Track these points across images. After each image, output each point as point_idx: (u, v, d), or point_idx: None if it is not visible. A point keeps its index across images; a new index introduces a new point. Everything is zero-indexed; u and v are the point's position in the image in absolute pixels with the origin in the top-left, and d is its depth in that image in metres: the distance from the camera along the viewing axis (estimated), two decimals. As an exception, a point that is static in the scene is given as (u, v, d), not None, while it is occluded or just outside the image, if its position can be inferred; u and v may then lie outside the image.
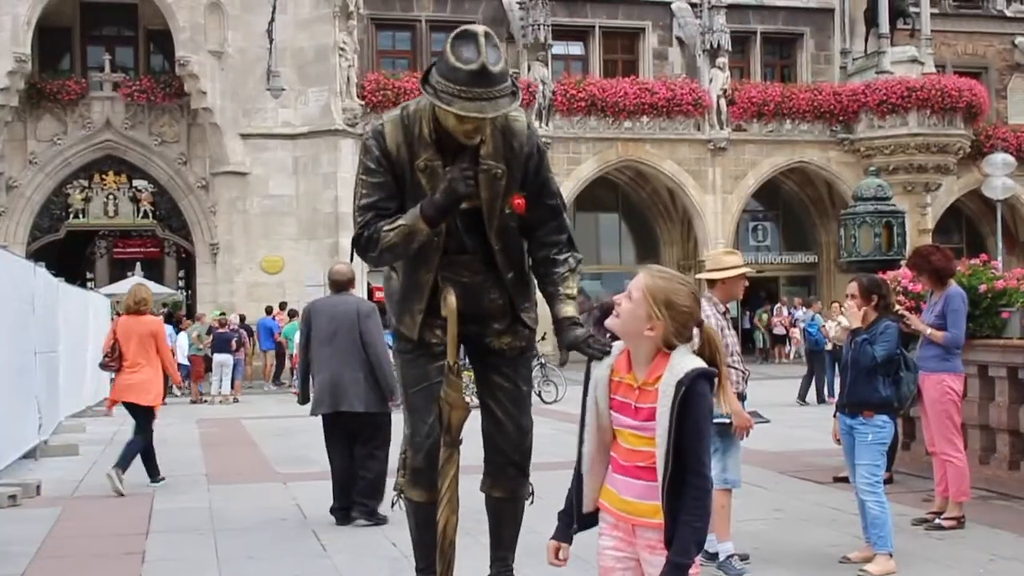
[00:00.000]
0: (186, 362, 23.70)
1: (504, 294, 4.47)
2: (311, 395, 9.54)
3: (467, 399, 4.15)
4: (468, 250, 4.36)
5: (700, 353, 3.58)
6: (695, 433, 3.50)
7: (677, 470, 3.45)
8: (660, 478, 3.48)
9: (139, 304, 11.87)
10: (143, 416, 11.77)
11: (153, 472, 11.76)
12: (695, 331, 3.60)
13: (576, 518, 3.67)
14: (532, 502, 4.61)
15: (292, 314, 28.37)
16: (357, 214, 4.31)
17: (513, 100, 4.26)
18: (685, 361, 3.53)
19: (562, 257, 4.57)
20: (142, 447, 11.63)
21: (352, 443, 9.52)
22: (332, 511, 9.35)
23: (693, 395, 3.48)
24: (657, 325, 3.52)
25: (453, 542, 4.05)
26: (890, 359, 7.37)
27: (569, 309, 4.37)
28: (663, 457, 3.46)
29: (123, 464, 11.29)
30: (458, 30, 4.28)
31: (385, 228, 4.24)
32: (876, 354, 7.29)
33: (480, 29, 4.22)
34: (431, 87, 4.18)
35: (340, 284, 9.67)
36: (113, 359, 11.71)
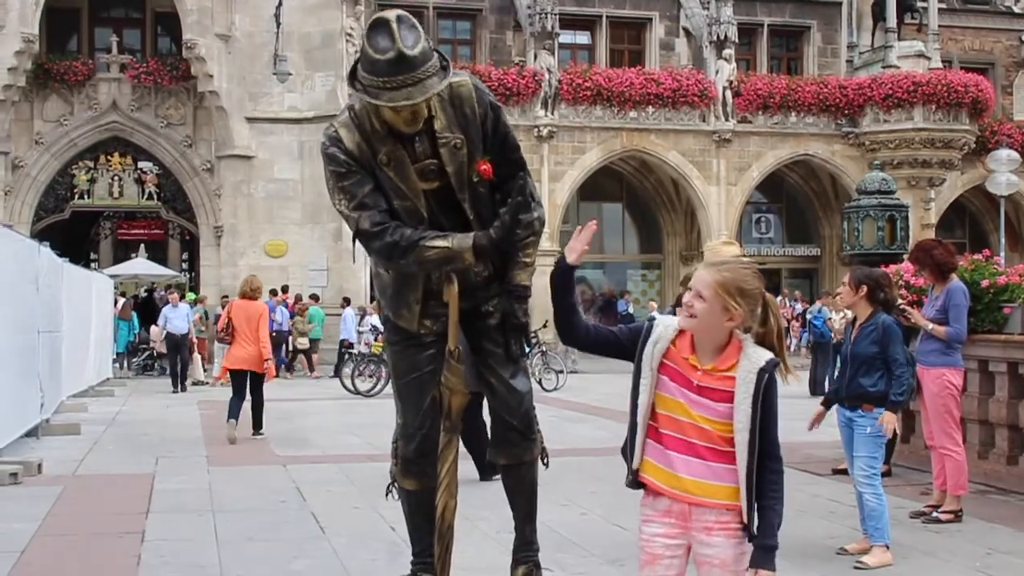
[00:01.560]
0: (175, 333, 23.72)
1: (488, 266, 4.45)
2: None
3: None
4: (446, 229, 4.32)
5: (763, 319, 3.65)
6: (774, 419, 3.60)
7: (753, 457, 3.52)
8: (744, 464, 3.52)
9: (254, 291, 14.58)
10: (256, 381, 14.22)
11: (257, 425, 14.32)
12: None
13: (632, 474, 3.67)
14: (548, 465, 4.58)
15: (315, 297, 28.45)
16: (352, 214, 4.24)
17: (443, 77, 4.20)
18: (759, 351, 3.60)
19: (525, 219, 4.53)
20: (241, 404, 14.14)
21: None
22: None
23: (773, 383, 3.58)
24: (736, 314, 3.56)
25: (451, 526, 4.05)
26: (881, 354, 7.39)
27: (523, 277, 4.37)
28: (747, 443, 3.51)
29: (257, 425, 14.27)
30: (372, 19, 4.23)
31: (425, 244, 4.19)
32: (866, 350, 7.35)
33: (392, 15, 4.15)
34: (359, 83, 4.16)
35: None
36: (227, 334, 14.35)
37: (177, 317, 24.01)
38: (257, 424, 14.34)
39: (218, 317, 25.14)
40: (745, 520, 3.52)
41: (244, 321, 14.10)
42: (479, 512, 7.98)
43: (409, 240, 4.17)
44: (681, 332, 3.65)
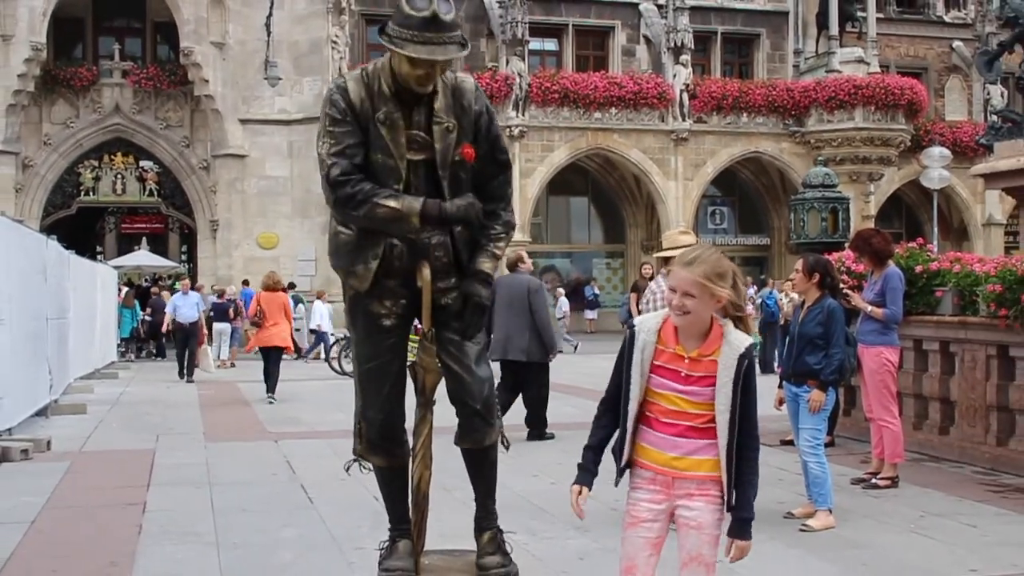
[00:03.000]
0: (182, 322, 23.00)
1: (449, 252, 4.33)
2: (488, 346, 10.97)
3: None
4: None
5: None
6: (754, 402, 3.65)
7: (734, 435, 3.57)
8: (724, 442, 3.56)
9: (276, 284, 17.04)
10: (277, 353, 16.48)
11: (271, 388, 16.19)
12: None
13: (618, 468, 3.73)
14: (508, 448, 4.54)
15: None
16: (328, 159, 4.17)
17: (462, 49, 4.20)
18: (740, 336, 3.64)
19: (504, 216, 4.57)
20: (277, 374, 16.29)
21: (516, 384, 11.43)
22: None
23: (752, 368, 3.62)
24: (723, 296, 3.60)
25: (427, 496, 4.03)
26: (824, 335, 7.42)
27: (487, 265, 4.34)
28: (727, 424, 3.56)
29: (271, 388, 16.17)
30: None
31: (378, 200, 4.12)
32: (812, 331, 7.38)
33: None
34: (387, 35, 4.14)
35: (511, 264, 11.80)
36: (259, 319, 16.62)
37: (186, 306, 21.79)
38: (271, 388, 16.18)
39: (213, 304, 25.26)
40: (724, 493, 3.59)
41: (271, 308, 16.43)
42: (454, 482, 7.98)
43: (365, 194, 4.12)
44: (663, 326, 3.67)
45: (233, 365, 24.73)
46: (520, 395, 11.61)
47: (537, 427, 11.64)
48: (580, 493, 3.76)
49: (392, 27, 4.14)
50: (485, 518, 4.28)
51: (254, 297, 19.16)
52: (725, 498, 3.60)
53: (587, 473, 3.78)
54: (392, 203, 4.11)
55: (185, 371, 20.86)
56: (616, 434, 3.73)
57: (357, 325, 4.21)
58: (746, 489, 3.62)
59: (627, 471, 3.73)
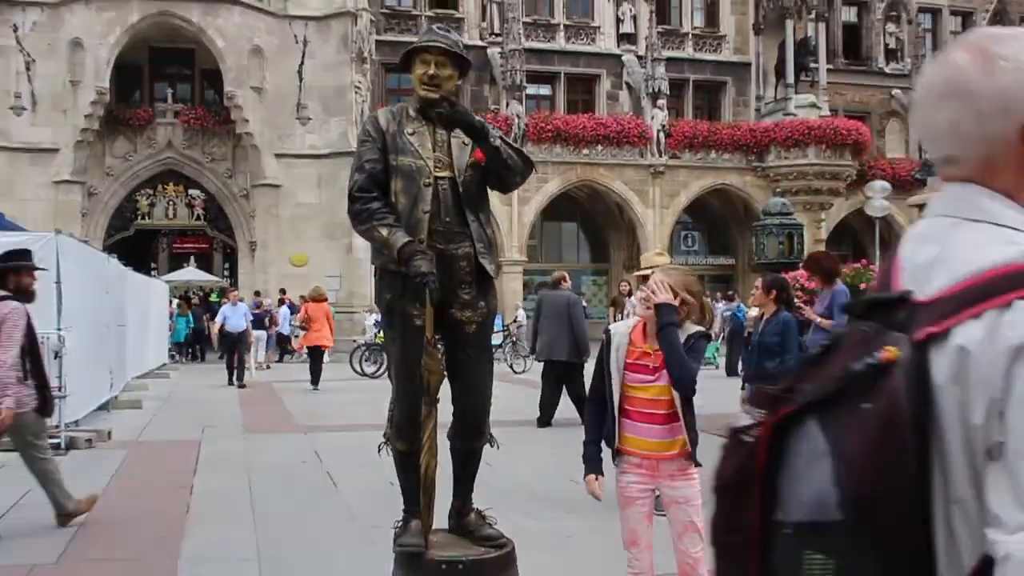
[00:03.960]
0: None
1: (472, 262, 4.19)
2: (536, 349, 12.51)
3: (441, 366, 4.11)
4: (442, 195, 4.18)
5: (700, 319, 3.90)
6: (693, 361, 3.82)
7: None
8: (683, 411, 3.73)
9: (321, 296, 18.95)
10: (321, 353, 18.28)
11: (316, 381, 17.88)
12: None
13: (613, 450, 3.84)
14: (496, 448, 4.56)
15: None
16: (352, 174, 4.21)
17: (457, 50, 4.27)
18: (689, 327, 3.81)
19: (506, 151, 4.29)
20: (321, 369, 18.01)
21: (558, 379, 12.06)
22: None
23: (696, 345, 3.78)
24: (684, 309, 3.76)
25: (433, 481, 4.05)
26: (781, 343, 7.46)
27: (491, 128, 4.21)
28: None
29: (315, 381, 17.82)
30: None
31: (377, 223, 4.06)
32: (770, 340, 7.42)
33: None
34: (408, 53, 4.30)
35: (555, 283, 12.70)
36: (306, 324, 18.88)
37: (235, 315, 20.26)
38: (315, 381, 17.81)
39: (252, 315, 25.20)
40: (691, 453, 3.74)
41: (316, 314, 18.41)
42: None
43: (369, 215, 4.08)
44: (636, 327, 3.75)
45: (268, 367, 24.76)
46: (564, 391, 12.16)
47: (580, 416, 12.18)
48: (596, 480, 3.87)
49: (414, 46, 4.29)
50: (467, 504, 4.30)
51: (303, 306, 20.90)
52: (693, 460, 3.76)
53: (594, 463, 3.88)
54: (383, 232, 4.04)
55: (235, 377, 19.49)
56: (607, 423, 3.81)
57: (394, 324, 4.17)
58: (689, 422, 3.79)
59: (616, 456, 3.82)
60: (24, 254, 7.22)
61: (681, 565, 3.75)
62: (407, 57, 4.25)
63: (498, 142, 4.14)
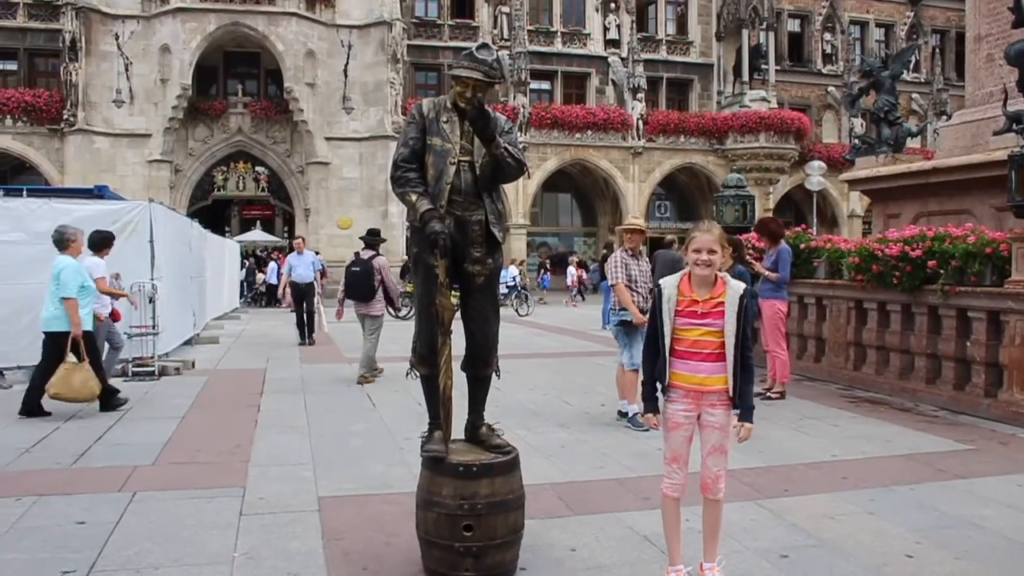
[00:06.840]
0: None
1: (483, 226, 4.17)
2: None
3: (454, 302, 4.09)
4: (464, 171, 4.18)
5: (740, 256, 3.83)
6: (750, 328, 3.71)
7: (738, 352, 3.59)
8: (731, 357, 3.57)
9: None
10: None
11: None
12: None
13: (663, 388, 3.70)
14: (499, 376, 4.54)
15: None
16: (397, 148, 4.19)
17: (490, 76, 4.18)
18: (737, 283, 3.66)
19: (514, 152, 4.23)
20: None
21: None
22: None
23: (750, 304, 3.66)
24: (726, 254, 3.80)
25: (450, 397, 4.04)
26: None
27: (500, 135, 4.16)
28: (733, 346, 3.57)
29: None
30: (479, 43, 4.34)
31: (410, 190, 4.07)
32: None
33: (484, 43, 4.29)
34: (451, 67, 4.27)
35: (668, 244, 11.65)
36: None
37: (302, 265, 15.22)
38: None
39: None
40: (731, 395, 3.59)
41: None
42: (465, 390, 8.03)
43: (405, 182, 4.10)
44: (683, 279, 3.66)
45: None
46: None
47: None
48: (654, 416, 3.75)
49: (455, 62, 4.22)
50: (479, 419, 4.30)
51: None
52: (732, 400, 3.60)
53: (651, 402, 3.75)
54: (413, 197, 4.06)
55: (306, 335, 14.91)
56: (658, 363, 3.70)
57: (419, 272, 4.18)
58: (747, 387, 3.62)
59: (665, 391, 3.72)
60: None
61: (705, 479, 3.69)
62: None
63: (500, 150, 4.13)
